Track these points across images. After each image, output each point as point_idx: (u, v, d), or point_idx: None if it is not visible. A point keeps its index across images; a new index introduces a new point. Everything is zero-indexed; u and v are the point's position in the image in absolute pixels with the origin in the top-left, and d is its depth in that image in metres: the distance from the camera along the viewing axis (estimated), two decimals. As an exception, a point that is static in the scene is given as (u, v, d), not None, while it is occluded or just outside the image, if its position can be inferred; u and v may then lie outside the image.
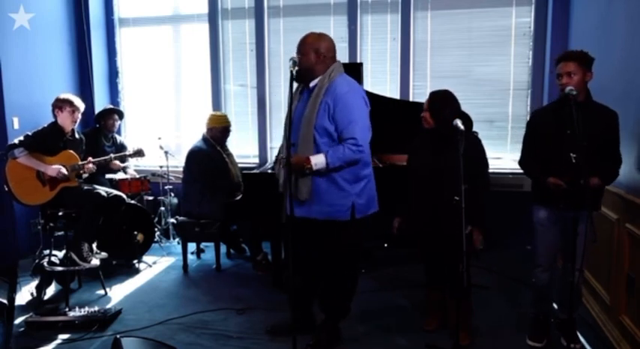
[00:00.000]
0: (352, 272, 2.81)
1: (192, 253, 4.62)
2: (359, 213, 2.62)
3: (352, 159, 2.51)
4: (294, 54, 2.60)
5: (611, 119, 2.53)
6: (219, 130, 4.25)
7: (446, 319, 2.99)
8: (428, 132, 2.79)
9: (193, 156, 4.19)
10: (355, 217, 2.60)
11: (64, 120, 3.63)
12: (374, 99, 4.04)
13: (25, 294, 3.65)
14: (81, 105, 3.71)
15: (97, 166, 3.72)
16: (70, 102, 3.63)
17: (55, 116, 3.63)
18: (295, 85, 2.63)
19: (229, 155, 4.40)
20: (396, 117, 4.03)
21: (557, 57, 2.60)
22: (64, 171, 3.52)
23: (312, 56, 2.55)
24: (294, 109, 2.57)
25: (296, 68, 2.45)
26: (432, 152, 2.74)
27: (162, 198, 4.98)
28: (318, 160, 2.48)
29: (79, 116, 3.71)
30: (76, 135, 3.76)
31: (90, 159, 3.73)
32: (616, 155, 2.57)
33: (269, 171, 4.14)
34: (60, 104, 3.62)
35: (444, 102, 2.72)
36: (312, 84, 2.61)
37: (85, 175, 3.75)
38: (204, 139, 4.25)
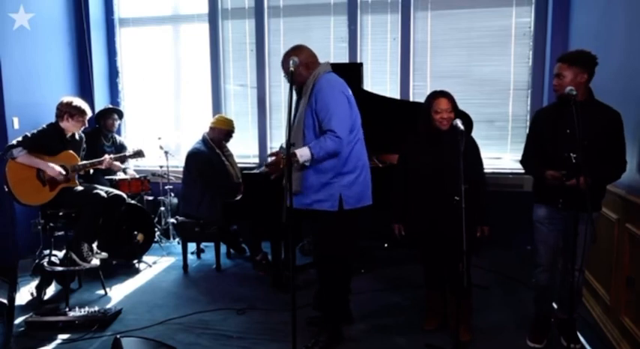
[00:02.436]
0: (341, 269, 2.82)
1: (192, 253, 4.62)
2: (347, 205, 2.69)
3: (335, 149, 2.60)
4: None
5: (612, 119, 2.51)
6: (223, 132, 4.25)
7: (446, 319, 2.99)
8: (428, 133, 2.78)
9: (192, 157, 4.18)
10: (344, 209, 2.69)
11: (71, 126, 3.62)
12: (374, 99, 4.08)
13: (25, 294, 3.65)
14: (90, 113, 3.71)
15: (96, 165, 3.73)
16: (83, 112, 3.61)
17: (58, 118, 3.60)
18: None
19: (229, 156, 4.39)
20: (396, 118, 4.03)
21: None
22: (63, 173, 3.51)
23: (297, 68, 2.67)
24: (293, 111, 2.69)
25: (291, 70, 2.54)
26: (433, 152, 2.74)
27: (163, 198, 4.98)
28: (303, 152, 2.60)
29: (86, 124, 3.72)
30: (76, 135, 3.75)
31: (106, 155, 3.78)
32: (619, 158, 2.54)
33: (263, 167, 4.14)
34: (73, 112, 3.58)
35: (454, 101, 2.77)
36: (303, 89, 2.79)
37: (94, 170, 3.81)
38: (204, 140, 4.24)
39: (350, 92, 2.76)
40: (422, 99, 4.94)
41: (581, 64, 2.49)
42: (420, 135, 2.85)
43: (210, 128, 4.27)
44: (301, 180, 2.69)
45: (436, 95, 2.76)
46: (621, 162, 2.54)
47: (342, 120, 2.62)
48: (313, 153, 2.59)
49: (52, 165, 3.49)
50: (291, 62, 2.53)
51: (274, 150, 2.90)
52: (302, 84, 2.74)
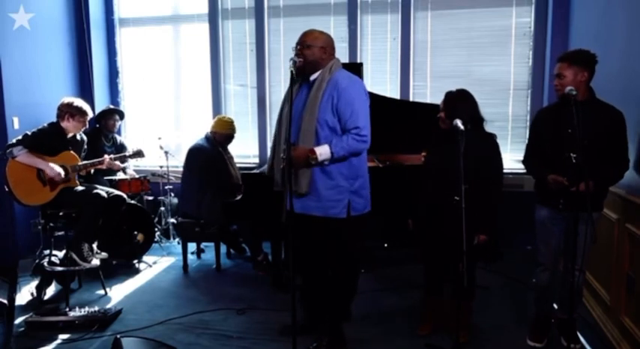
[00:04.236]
0: (351, 273, 2.79)
1: (192, 253, 4.62)
2: (355, 211, 2.61)
3: (356, 149, 2.51)
4: (293, 54, 2.61)
5: (615, 118, 2.51)
6: (223, 136, 4.24)
7: (442, 322, 2.97)
8: (442, 133, 2.77)
9: (194, 153, 4.18)
10: (351, 215, 2.59)
11: (71, 127, 3.62)
12: (374, 99, 4.06)
13: (25, 294, 3.65)
14: (91, 114, 3.70)
15: (96, 165, 3.73)
16: (83, 113, 3.61)
17: (59, 118, 3.60)
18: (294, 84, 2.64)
19: (230, 158, 4.39)
20: (396, 118, 4.04)
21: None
22: (62, 174, 3.49)
23: (318, 50, 2.58)
24: (293, 107, 2.52)
25: (300, 60, 2.47)
26: (440, 152, 2.74)
27: (163, 198, 4.98)
28: (322, 150, 2.47)
29: (87, 125, 3.72)
30: (77, 137, 3.75)
31: (106, 156, 3.78)
32: (621, 158, 2.53)
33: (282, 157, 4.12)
34: (73, 112, 3.57)
35: (457, 101, 2.71)
36: (312, 77, 2.62)
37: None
38: (207, 138, 4.24)
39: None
40: (422, 99, 4.99)
41: (581, 62, 2.49)
42: (435, 135, 2.84)
43: (212, 131, 4.25)
44: (310, 181, 2.54)
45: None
46: (624, 161, 2.54)
47: (367, 119, 2.54)
48: (333, 152, 2.46)
49: (52, 165, 3.48)
50: (290, 62, 2.48)
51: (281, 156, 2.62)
52: (314, 69, 2.58)
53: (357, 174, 2.61)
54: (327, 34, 2.69)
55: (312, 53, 2.57)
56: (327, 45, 2.63)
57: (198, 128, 5.23)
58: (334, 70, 2.60)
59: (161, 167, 4.85)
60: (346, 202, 2.58)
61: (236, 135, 4.37)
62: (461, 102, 2.71)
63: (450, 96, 2.75)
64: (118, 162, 3.96)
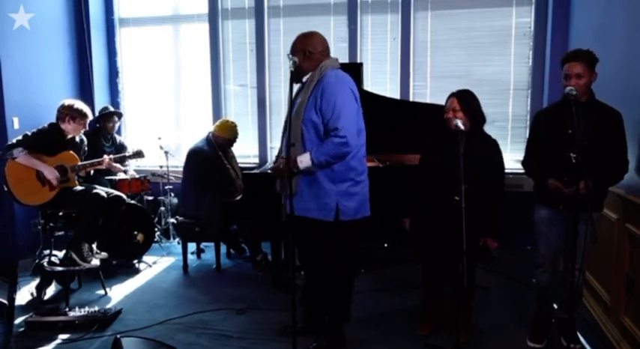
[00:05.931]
0: (346, 274, 2.76)
1: (192, 253, 4.62)
2: (344, 216, 2.54)
3: (337, 152, 2.45)
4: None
5: (613, 119, 2.50)
6: (225, 140, 4.24)
7: (442, 322, 2.97)
8: (439, 132, 2.76)
9: (193, 155, 4.19)
10: (340, 219, 2.53)
11: (72, 129, 3.62)
12: (374, 99, 4.08)
13: (25, 294, 3.65)
14: (91, 116, 3.71)
15: (95, 166, 3.74)
16: (84, 116, 3.61)
17: (59, 120, 3.60)
18: (296, 85, 2.67)
19: (231, 158, 4.39)
20: (396, 118, 4.04)
21: (564, 56, 2.56)
22: (58, 178, 3.49)
23: (300, 55, 2.57)
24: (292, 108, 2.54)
25: (290, 69, 2.46)
26: (441, 152, 2.72)
27: (163, 198, 4.98)
28: (303, 158, 2.47)
29: (87, 127, 3.72)
30: (76, 138, 3.75)
31: (105, 156, 3.78)
32: (621, 159, 2.52)
33: (269, 171, 4.14)
34: (74, 114, 3.57)
35: (472, 98, 2.69)
36: (304, 79, 2.63)
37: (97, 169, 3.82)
38: (207, 140, 4.24)
39: (357, 91, 2.63)
40: (422, 99, 5.00)
41: (594, 64, 2.49)
42: (435, 134, 2.82)
43: (214, 134, 4.26)
44: (297, 182, 2.53)
45: (451, 94, 2.72)
46: (623, 163, 2.54)
47: (350, 119, 2.47)
48: (313, 159, 2.44)
49: (50, 168, 3.49)
50: (290, 62, 2.47)
51: (280, 155, 2.67)
52: (301, 73, 2.58)
53: (345, 177, 2.55)
54: (312, 36, 2.62)
55: (297, 58, 2.54)
56: (311, 47, 2.58)
57: (198, 128, 5.25)
58: (324, 70, 2.56)
59: (161, 167, 4.85)
60: (334, 206, 2.53)
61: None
62: (476, 101, 2.70)
63: (463, 95, 2.68)
64: (118, 165, 3.96)
